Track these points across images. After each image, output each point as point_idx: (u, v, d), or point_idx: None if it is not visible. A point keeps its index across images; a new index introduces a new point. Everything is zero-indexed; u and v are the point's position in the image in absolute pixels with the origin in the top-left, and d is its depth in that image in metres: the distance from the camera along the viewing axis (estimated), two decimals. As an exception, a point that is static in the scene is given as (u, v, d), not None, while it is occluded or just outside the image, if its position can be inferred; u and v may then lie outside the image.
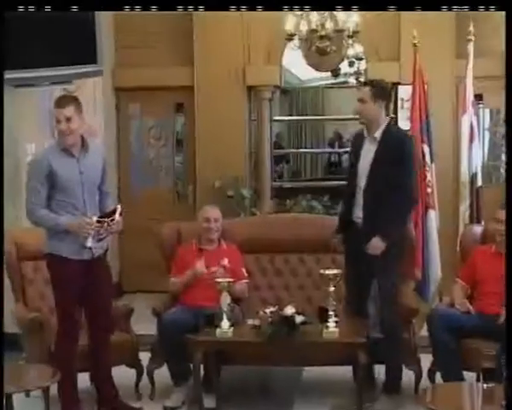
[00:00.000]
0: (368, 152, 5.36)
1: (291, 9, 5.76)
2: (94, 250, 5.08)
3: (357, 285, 5.39)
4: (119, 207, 5.08)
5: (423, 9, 5.80)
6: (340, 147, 13.06)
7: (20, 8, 5.29)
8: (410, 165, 5.32)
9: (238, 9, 5.61)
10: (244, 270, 5.85)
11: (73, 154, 5.05)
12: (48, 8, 5.33)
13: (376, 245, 5.20)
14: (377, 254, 5.19)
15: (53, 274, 5.13)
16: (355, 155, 5.47)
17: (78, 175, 5.03)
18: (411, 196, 5.39)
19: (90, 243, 4.99)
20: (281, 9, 5.77)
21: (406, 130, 7.07)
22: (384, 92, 5.45)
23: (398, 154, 5.26)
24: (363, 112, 5.36)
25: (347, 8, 7.12)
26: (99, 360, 5.27)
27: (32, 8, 5.32)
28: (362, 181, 5.35)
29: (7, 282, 5.85)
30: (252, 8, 6.05)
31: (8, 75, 5.69)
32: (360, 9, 7.09)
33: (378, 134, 5.33)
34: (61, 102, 5.06)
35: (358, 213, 5.37)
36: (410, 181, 5.34)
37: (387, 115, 5.48)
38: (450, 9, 5.56)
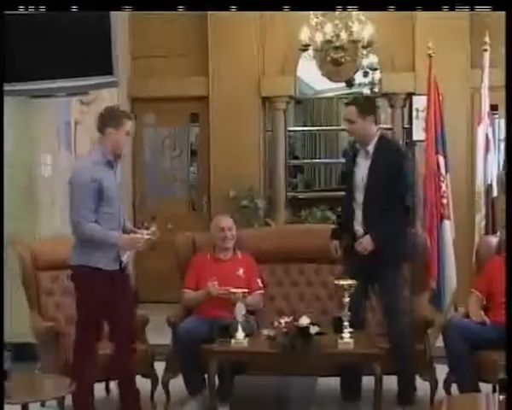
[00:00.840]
0: (362, 166, 5.40)
1: (292, 9, 5.77)
2: (124, 260, 5.12)
3: (354, 298, 5.33)
4: (154, 224, 5.13)
5: (424, 9, 5.80)
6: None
7: (21, 8, 5.30)
8: (404, 175, 5.33)
9: (238, 9, 5.63)
10: (259, 280, 5.85)
11: (113, 165, 5.05)
12: (46, 9, 5.34)
13: (366, 244, 5.24)
14: (377, 265, 5.25)
15: (82, 286, 5.05)
16: (349, 168, 5.49)
17: (116, 186, 5.04)
18: (408, 205, 5.40)
19: (126, 255, 5.04)
20: (281, 9, 5.79)
21: (421, 140, 7.09)
22: (371, 107, 5.47)
23: (391, 165, 5.30)
24: (355, 131, 5.40)
25: (346, 9, 7.14)
26: (123, 368, 5.23)
27: (32, 8, 5.32)
28: (359, 195, 5.39)
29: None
30: (252, 8, 6.08)
31: (24, 86, 5.72)
32: (360, 9, 7.11)
33: (371, 147, 5.37)
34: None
35: (358, 227, 5.39)
36: (406, 191, 5.35)
37: (379, 127, 5.49)
38: (451, 9, 5.54)
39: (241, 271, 5.80)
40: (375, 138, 5.37)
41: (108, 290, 5.00)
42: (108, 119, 5.03)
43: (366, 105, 5.43)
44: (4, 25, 5.34)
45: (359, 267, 5.32)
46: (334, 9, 7.32)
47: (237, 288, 5.32)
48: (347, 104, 5.51)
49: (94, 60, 5.81)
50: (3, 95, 5.44)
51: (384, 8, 5.80)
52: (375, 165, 5.33)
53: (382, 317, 5.49)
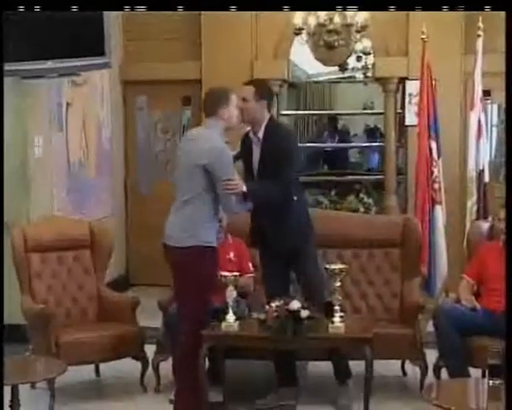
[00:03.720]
0: (255, 153, 5.40)
1: (291, 10, 5.72)
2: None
3: (276, 282, 5.43)
4: None
5: (423, 9, 5.78)
6: (347, 141, 13.07)
7: (21, 8, 5.26)
8: (288, 158, 5.29)
9: (238, 9, 5.61)
10: (250, 264, 5.86)
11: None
12: (46, 9, 5.28)
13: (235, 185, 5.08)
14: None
15: (202, 267, 4.97)
16: (246, 157, 5.47)
17: None
18: (287, 185, 5.32)
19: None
20: (281, 9, 5.75)
21: (413, 124, 7.05)
22: (266, 92, 5.49)
23: (278, 149, 5.27)
24: (246, 110, 5.35)
25: (346, 9, 7.10)
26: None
27: (34, 8, 5.28)
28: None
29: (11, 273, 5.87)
30: (251, 8, 6.02)
31: (15, 67, 5.67)
32: (360, 9, 7.07)
33: (261, 134, 5.37)
34: None
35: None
36: (288, 172, 5.28)
37: (269, 113, 5.45)
38: (450, 9, 5.53)
39: (231, 254, 5.79)
40: (265, 123, 5.37)
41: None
42: (217, 100, 5.10)
43: (262, 89, 5.45)
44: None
45: (271, 253, 5.42)
46: (334, 9, 7.25)
47: (228, 271, 5.31)
48: (246, 84, 5.52)
49: (86, 41, 5.77)
50: (3, 90, 5.42)
51: (384, 9, 5.77)
52: (264, 150, 5.35)
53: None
